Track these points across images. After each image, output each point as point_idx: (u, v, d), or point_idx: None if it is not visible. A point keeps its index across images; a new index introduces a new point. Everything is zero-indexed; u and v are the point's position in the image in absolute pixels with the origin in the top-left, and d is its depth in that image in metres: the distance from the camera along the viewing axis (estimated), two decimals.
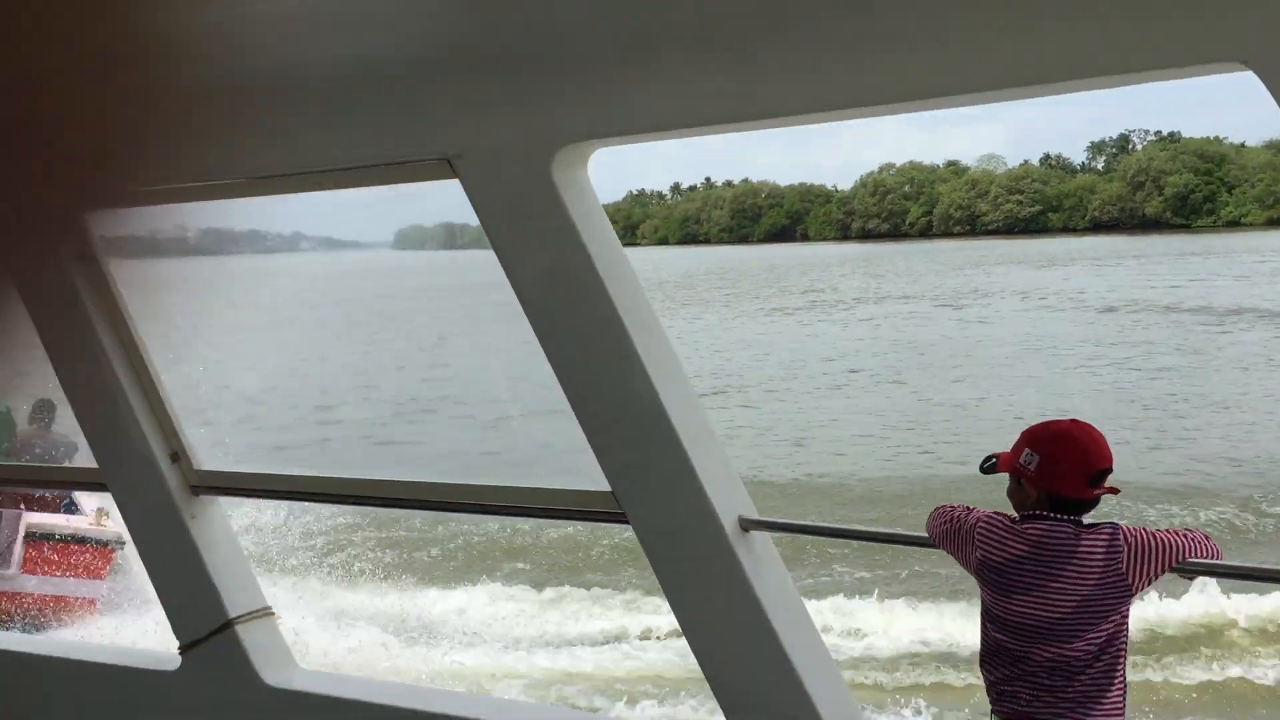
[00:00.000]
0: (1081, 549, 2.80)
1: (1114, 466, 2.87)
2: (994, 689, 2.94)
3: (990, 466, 3.00)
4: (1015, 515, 2.94)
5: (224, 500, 4.32)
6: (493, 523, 13.46)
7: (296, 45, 3.08)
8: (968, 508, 3.08)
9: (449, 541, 13.92)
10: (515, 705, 3.95)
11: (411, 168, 3.50)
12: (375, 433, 21.57)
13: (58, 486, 4.95)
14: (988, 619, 2.96)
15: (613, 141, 3.26)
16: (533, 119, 3.19)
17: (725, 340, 32.01)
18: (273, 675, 4.14)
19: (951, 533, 3.03)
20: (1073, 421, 2.93)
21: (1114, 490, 2.88)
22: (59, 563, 9.97)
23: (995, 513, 2.99)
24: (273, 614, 4.29)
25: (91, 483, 4.40)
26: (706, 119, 3.05)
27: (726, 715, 3.40)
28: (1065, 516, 2.85)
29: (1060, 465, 2.83)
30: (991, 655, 2.94)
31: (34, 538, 9.87)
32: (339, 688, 4.16)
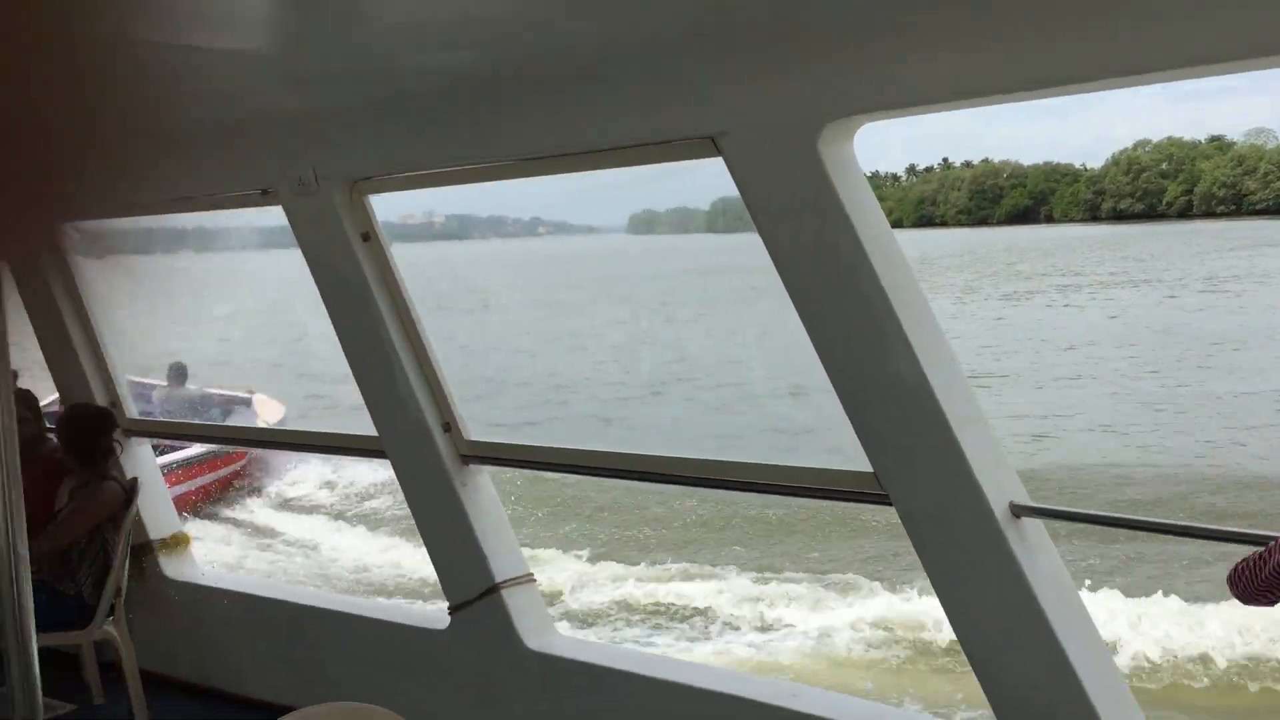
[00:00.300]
0: None
1: None
2: None
3: None
4: None
5: (490, 470, 4.52)
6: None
7: (564, 27, 3.17)
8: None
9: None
10: (775, 684, 3.96)
11: (676, 146, 3.54)
12: (607, 411, 22.08)
13: (339, 452, 5.31)
14: None
15: (881, 115, 3.20)
16: (800, 94, 3.16)
17: (957, 327, 30.90)
18: (534, 639, 4.31)
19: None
20: None
21: None
22: None
23: None
24: (534, 580, 4.47)
25: (372, 450, 4.69)
26: (978, 89, 2.95)
27: (994, 709, 3.30)
28: None
29: None
30: None
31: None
32: (596, 655, 4.29)
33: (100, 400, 5.43)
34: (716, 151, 3.41)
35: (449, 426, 4.42)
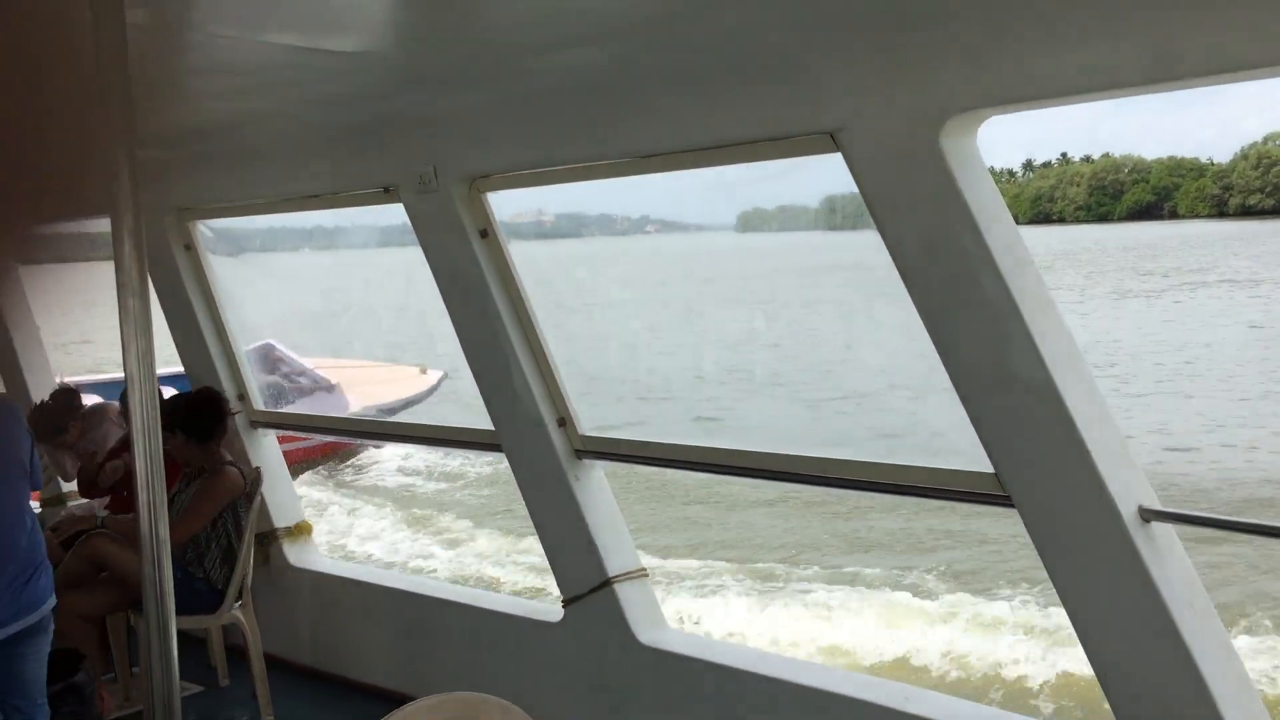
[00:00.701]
0: None
1: None
2: None
3: None
4: None
5: (603, 465, 4.55)
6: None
7: (682, 25, 3.17)
8: None
9: None
10: (887, 686, 3.91)
11: (794, 143, 3.51)
12: (701, 409, 21.99)
13: (457, 446, 5.40)
14: None
15: (1007, 109, 3.12)
16: (921, 88, 3.11)
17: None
18: (645, 633, 4.33)
19: None
20: None
21: None
22: None
23: None
24: (647, 574, 4.48)
25: (488, 443, 4.76)
26: (1107, 82, 2.85)
27: (1115, 710, 3.20)
28: None
29: None
30: None
31: None
32: (707, 650, 4.29)
33: (229, 392, 5.63)
34: (835, 147, 3.38)
35: (564, 421, 4.46)
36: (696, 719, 4.21)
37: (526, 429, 4.50)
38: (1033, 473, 3.24)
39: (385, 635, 5.23)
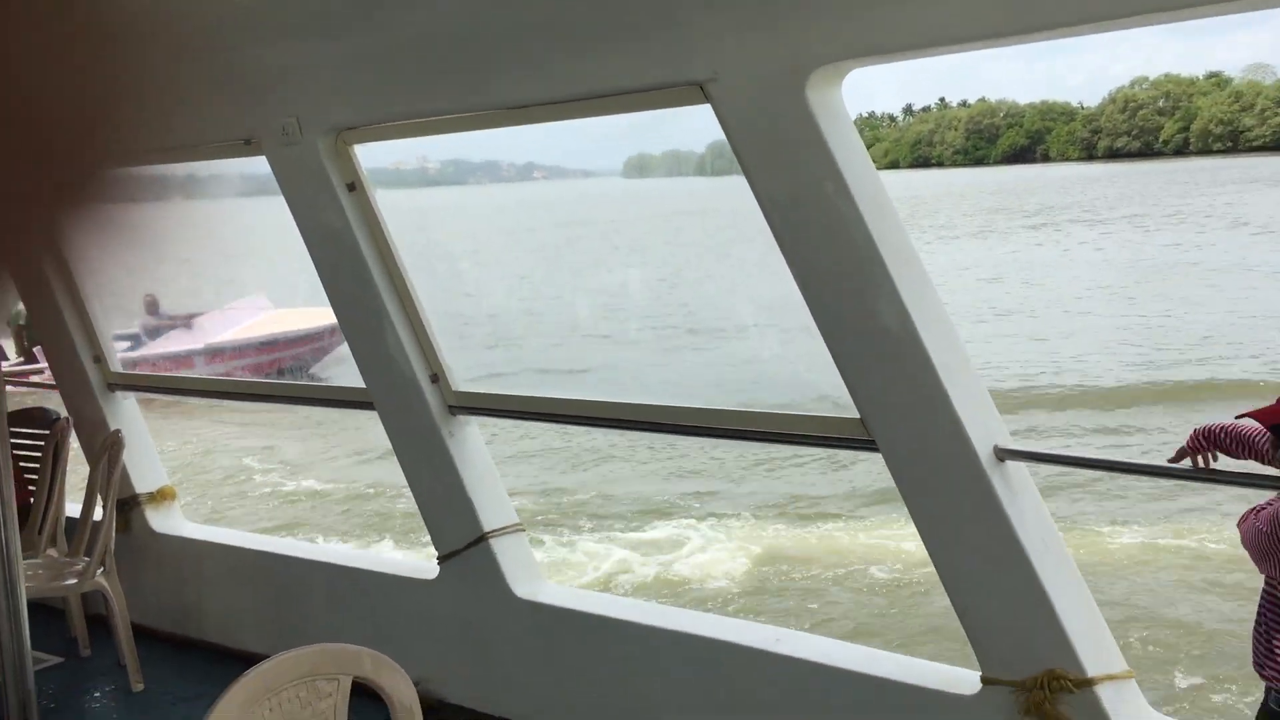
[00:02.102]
0: None
1: None
2: None
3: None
4: None
5: (477, 420, 4.51)
6: None
7: None
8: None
9: None
10: (759, 630, 3.98)
11: (664, 94, 3.49)
12: (570, 358, 21.99)
13: (328, 405, 5.28)
14: None
15: (869, 61, 3.15)
16: (787, 40, 3.11)
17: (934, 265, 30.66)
18: (522, 587, 4.32)
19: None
20: None
21: None
22: None
23: None
24: (523, 529, 4.47)
25: (360, 401, 4.67)
26: (966, 35, 2.89)
27: (976, 650, 3.31)
28: None
29: None
30: None
31: None
32: (583, 603, 4.30)
33: (85, 356, 5.40)
34: (705, 98, 3.36)
35: (436, 377, 4.40)
36: (574, 670, 4.23)
37: (399, 386, 4.42)
38: (895, 417, 3.31)
39: (256, 599, 5.13)
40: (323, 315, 19.45)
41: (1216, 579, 9.52)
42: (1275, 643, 2.57)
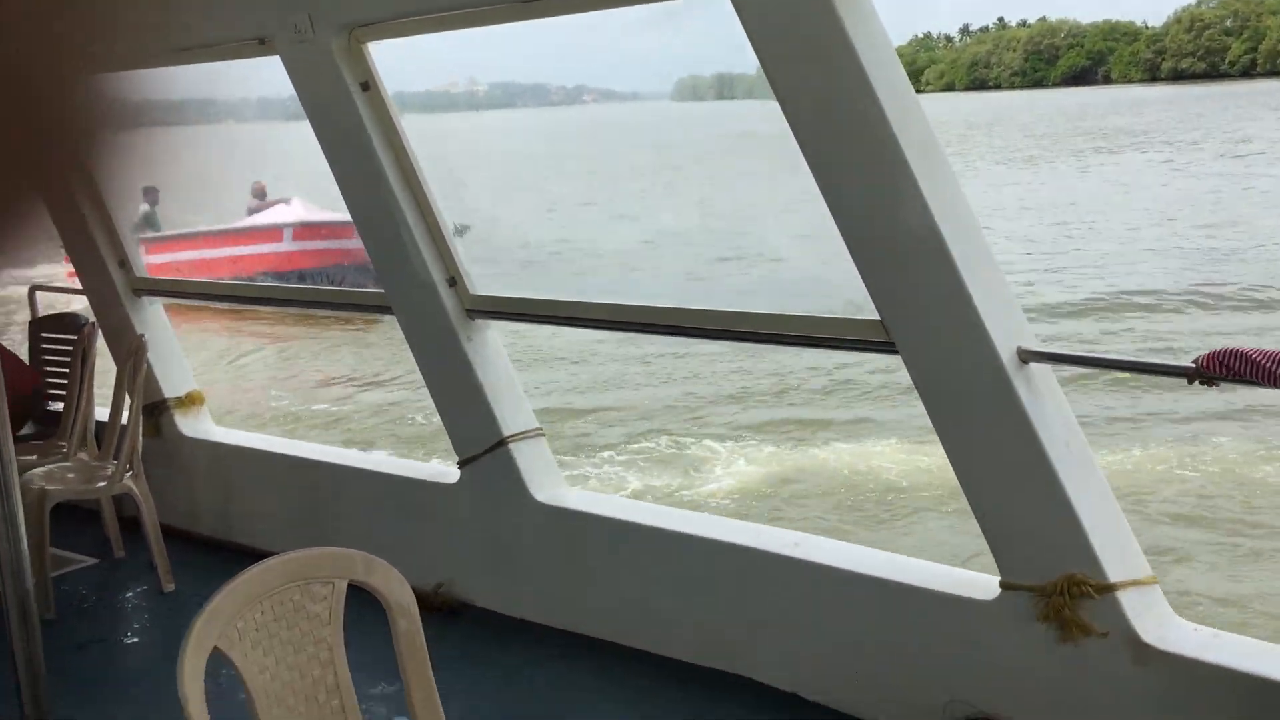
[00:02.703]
0: None
1: None
2: None
3: None
4: None
5: (497, 325, 4.46)
6: None
7: None
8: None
9: None
10: (779, 534, 3.93)
11: None
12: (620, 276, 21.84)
13: (348, 310, 5.25)
14: None
15: None
16: None
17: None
18: (542, 492, 4.30)
19: None
20: None
21: None
22: None
23: None
24: (543, 434, 4.44)
25: (379, 306, 4.64)
26: None
27: (996, 555, 3.24)
28: None
29: None
30: None
31: None
32: (603, 507, 4.28)
33: (110, 261, 5.42)
34: None
35: (454, 281, 4.34)
36: (593, 574, 4.22)
37: (416, 290, 4.38)
38: (916, 319, 3.21)
39: (283, 503, 5.16)
40: None
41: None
42: None
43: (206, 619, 2.33)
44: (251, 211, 20.97)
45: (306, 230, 19.55)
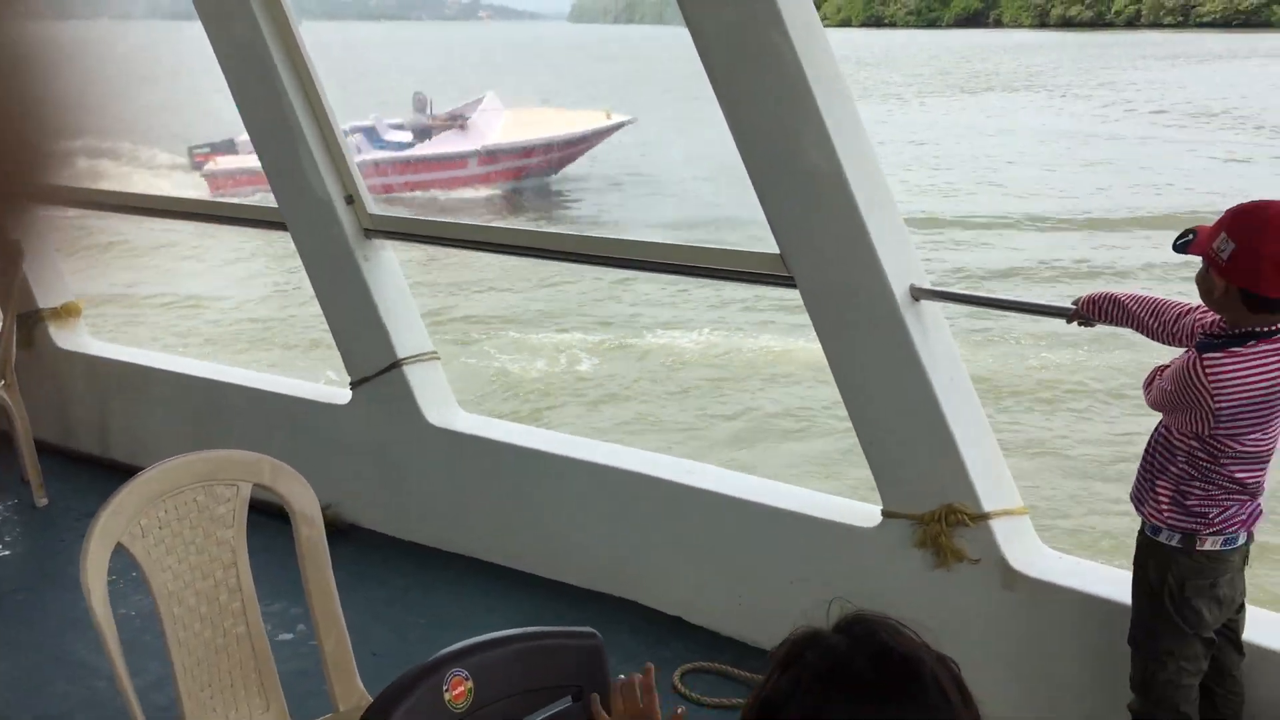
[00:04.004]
0: None
1: None
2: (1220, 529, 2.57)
3: (1184, 244, 2.52)
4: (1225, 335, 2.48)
5: (393, 245, 4.39)
6: None
7: None
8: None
9: None
10: (673, 463, 4.00)
11: None
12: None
13: (238, 223, 5.09)
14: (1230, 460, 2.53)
15: None
16: None
17: None
18: (435, 414, 4.29)
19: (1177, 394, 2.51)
20: None
21: None
22: None
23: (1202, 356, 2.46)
24: (438, 357, 4.41)
25: (272, 221, 4.51)
26: None
27: (880, 485, 3.36)
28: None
29: (1258, 258, 2.35)
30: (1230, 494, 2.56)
31: None
32: (496, 431, 4.29)
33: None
34: None
35: (351, 199, 4.25)
36: (486, 498, 4.24)
37: (312, 206, 4.28)
38: (815, 254, 3.27)
39: (166, 419, 5.03)
40: (588, 119, 20.96)
41: None
42: (1159, 483, 2.61)
43: (111, 513, 2.30)
44: (416, 129, 20.52)
45: (501, 157, 20.09)
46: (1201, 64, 55.00)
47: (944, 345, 3.21)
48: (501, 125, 20.40)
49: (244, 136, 15.33)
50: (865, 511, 3.45)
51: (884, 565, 3.35)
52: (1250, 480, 2.54)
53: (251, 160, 16.23)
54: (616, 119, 21.26)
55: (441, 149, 20.12)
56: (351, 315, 4.35)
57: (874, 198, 3.14)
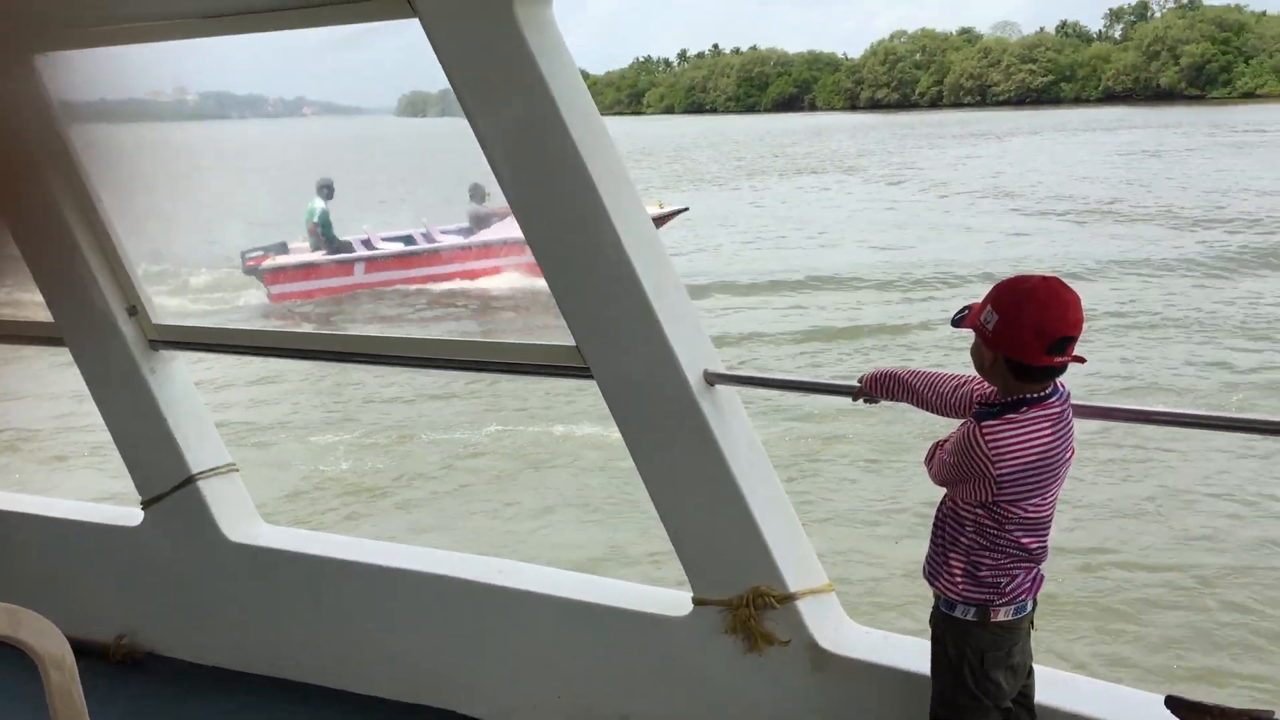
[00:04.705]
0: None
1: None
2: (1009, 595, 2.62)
3: (960, 318, 2.63)
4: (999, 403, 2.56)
5: (184, 356, 4.22)
6: None
7: None
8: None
9: None
10: (483, 563, 3.91)
11: (369, 5, 3.28)
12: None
13: (9, 341, 4.78)
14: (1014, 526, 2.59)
15: None
16: None
17: None
18: (236, 531, 4.10)
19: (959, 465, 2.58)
20: (1044, 279, 2.53)
21: (1080, 359, 2.52)
22: None
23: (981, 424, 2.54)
24: (237, 470, 4.23)
25: (48, 337, 4.27)
26: None
27: (688, 573, 3.34)
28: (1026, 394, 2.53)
29: (1017, 329, 2.47)
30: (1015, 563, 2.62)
31: None
32: (303, 544, 4.12)
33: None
34: (412, 12, 3.18)
35: (134, 310, 4.07)
36: (293, 614, 4.06)
37: (92, 320, 4.07)
38: (609, 343, 3.27)
39: None
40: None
41: None
42: (951, 556, 2.66)
43: None
44: (475, 217, 22.04)
45: None
46: (999, 141, 58.82)
47: (741, 428, 3.24)
48: None
49: (298, 242, 19.77)
50: (677, 600, 3.43)
51: (697, 653, 3.33)
52: (1035, 546, 2.61)
53: (311, 256, 19.28)
54: (669, 207, 22.98)
55: (497, 235, 21.42)
56: (139, 431, 4.14)
57: (663, 285, 3.17)
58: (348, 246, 21.51)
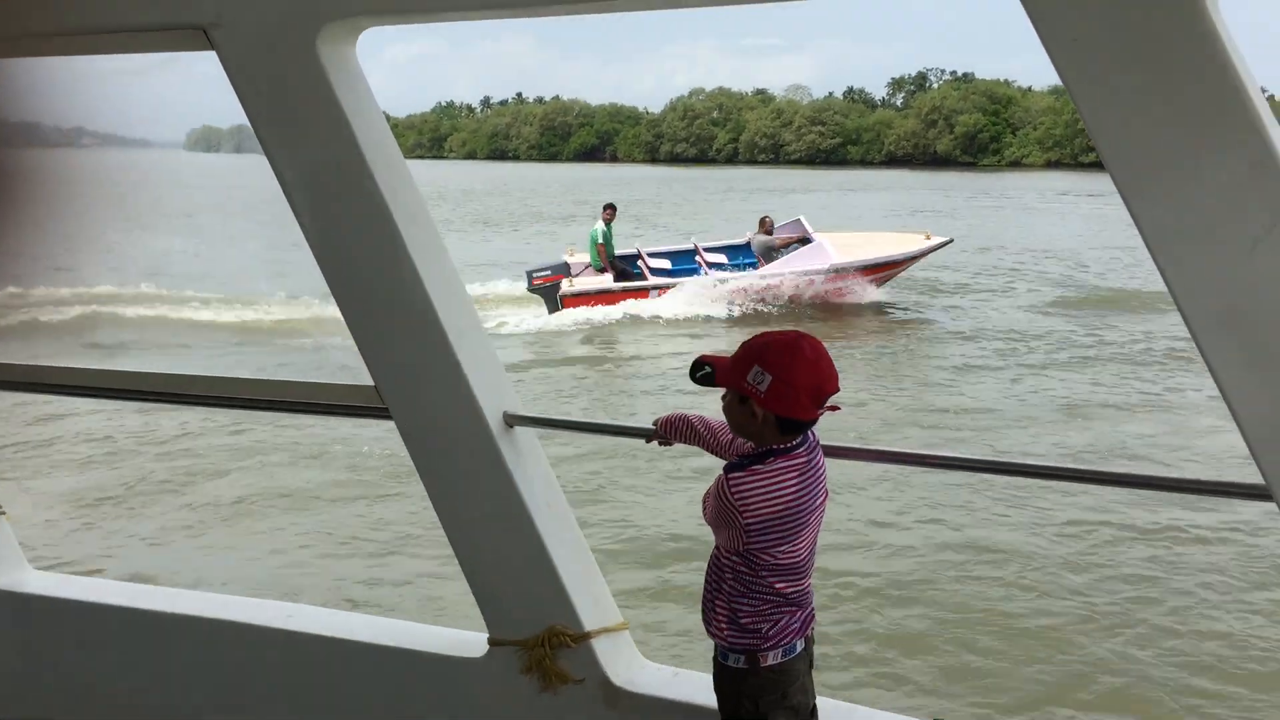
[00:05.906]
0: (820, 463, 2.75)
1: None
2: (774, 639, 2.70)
3: (705, 376, 2.68)
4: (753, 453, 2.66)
5: None
6: None
7: None
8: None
9: None
10: (269, 607, 3.81)
11: (162, 35, 3.21)
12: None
13: None
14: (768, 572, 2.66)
15: (385, 20, 3.07)
16: None
17: None
18: (2, 578, 3.87)
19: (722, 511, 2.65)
20: (799, 335, 2.64)
21: (834, 408, 2.65)
22: None
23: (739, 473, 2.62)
24: (3, 513, 3.99)
25: None
26: (485, 2, 2.89)
27: (484, 613, 3.36)
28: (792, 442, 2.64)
29: (794, 389, 2.56)
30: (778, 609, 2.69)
31: None
32: (77, 590, 3.92)
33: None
34: (209, 44, 3.13)
35: None
36: (66, 665, 3.85)
37: None
38: (408, 384, 3.28)
39: None
40: (911, 240, 24.23)
41: None
42: (718, 603, 2.74)
43: None
44: (760, 249, 23.58)
45: (850, 274, 23.05)
46: (783, 197, 61.36)
47: (539, 468, 3.29)
48: (832, 245, 23.47)
49: (577, 258, 21.94)
50: (472, 641, 3.44)
51: (493, 694, 3.34)
52: (791, 591, 2.69)
53: (600, 281, 23.10)
54: (936, 240, 23.97)
55: (806, 265, 22.95)
56: None
57: (463, 327, 3.20)
58: (632, 262, 23.22)
